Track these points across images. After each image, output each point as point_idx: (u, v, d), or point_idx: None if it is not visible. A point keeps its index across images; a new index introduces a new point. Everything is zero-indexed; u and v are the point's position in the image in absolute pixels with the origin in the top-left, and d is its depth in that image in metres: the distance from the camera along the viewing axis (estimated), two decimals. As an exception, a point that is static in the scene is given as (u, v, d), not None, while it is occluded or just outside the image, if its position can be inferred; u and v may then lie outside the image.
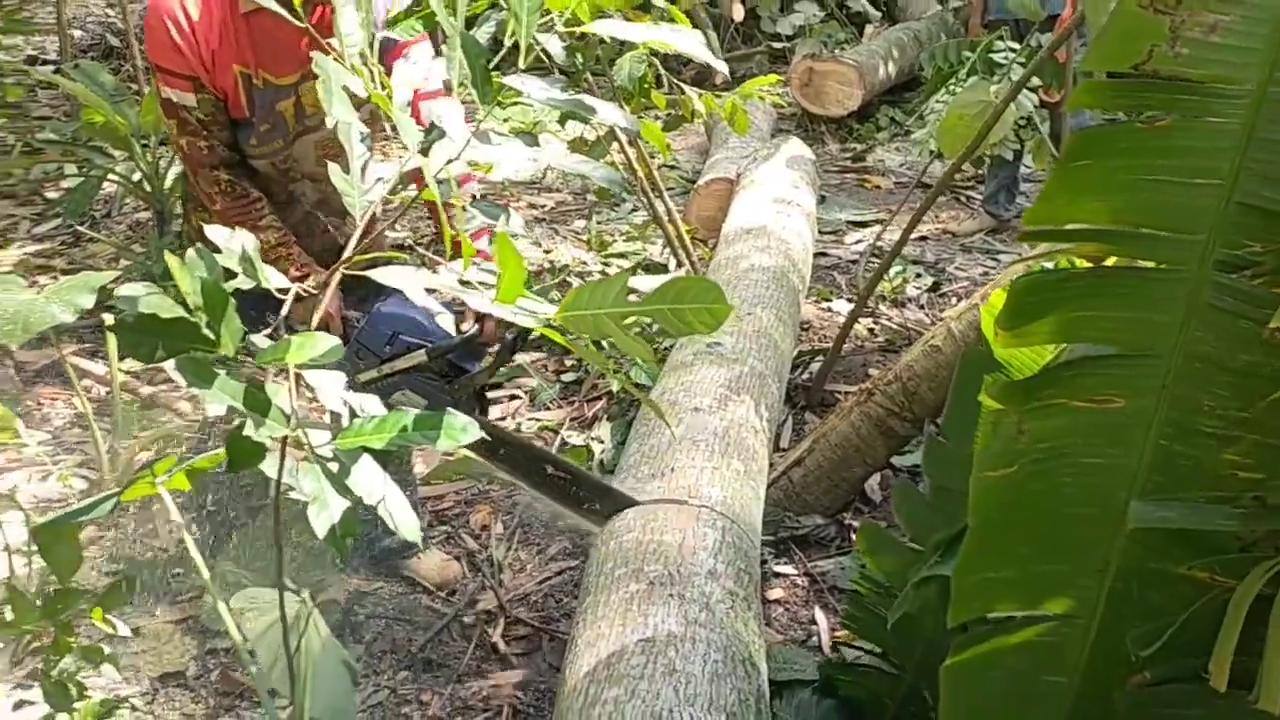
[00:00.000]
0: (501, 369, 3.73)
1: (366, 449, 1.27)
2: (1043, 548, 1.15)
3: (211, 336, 1.24)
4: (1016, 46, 3.40)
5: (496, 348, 2.24)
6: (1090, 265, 1.13)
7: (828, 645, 2.57)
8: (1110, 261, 1.05)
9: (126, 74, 6.45)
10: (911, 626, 1.76)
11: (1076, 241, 1.04)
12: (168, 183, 4.54)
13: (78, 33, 7.79)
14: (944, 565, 1.66)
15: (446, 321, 2.20)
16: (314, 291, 1.94)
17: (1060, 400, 1.07)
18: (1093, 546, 1.13)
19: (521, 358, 3.82)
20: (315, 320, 1.64)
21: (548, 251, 4.82)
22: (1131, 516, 1.09)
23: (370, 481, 1.24)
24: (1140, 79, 0.97)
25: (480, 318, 2.21)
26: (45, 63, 7.37)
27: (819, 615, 2.67)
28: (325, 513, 1.17)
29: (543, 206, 5.46)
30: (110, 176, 4.77)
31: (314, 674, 1.85)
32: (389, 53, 2.20)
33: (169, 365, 1.20)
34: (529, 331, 2.34)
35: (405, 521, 1.29)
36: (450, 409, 1.27)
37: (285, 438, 1.28)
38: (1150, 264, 1.03)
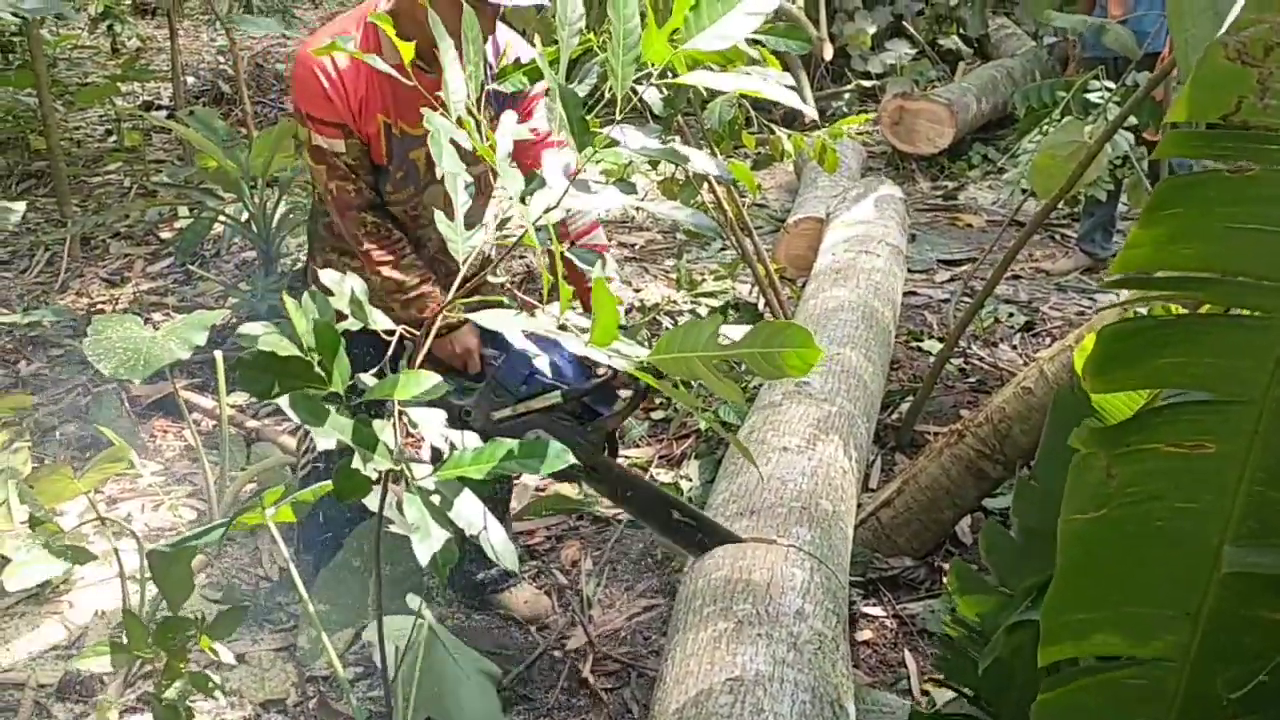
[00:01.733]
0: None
1: (466, 484, 1.33)
2: (1133, 591, 1.15)
3: (322, 374, 1.31)
4: (1111, 86, 3.37)
5: (630, 392, 2.28)
6: (1181, 312, 1.13)
7: (917, 689, 2.55)
8: (1201, 309, 1.05)
9: (236, 119, 6.74)
10: (1004, 672, 1.75)
11: (1165, 289, 1.04)
12: (274, 224, 4.72)
13: (191, 79, 8.15)
14: (1036, 610, 1.64)
15: (584, 364, 2.25)
16: (454, 324, 2.01)
17: (1150, 445, 1.08)
18: (1185, 590, 1.12)
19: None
20: (462, 348, 1.68)
21: (638, 290, 4.88)
22: (1226, 561, 1.09)
23: (471, 513, 1.30)
24: (1228, 129, 0.98)
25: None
26: (160, 108, 7.73)
27: (908, 658, 2.65)
28: (427, 541, 1.23)
29: (633, 245, 5.53)
30: (220, 218, 4.98)
31: (453, 688, 1.91)
32: (519, 104, 2.29)
33: (282, 401, 1.27)
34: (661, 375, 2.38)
35: (505, 551, 1.34)
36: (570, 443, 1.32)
37: (387, 471, 1.34)
38: (1241, 311, 1.04)
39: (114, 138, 7.19)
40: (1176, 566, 1.13)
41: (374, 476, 1.29)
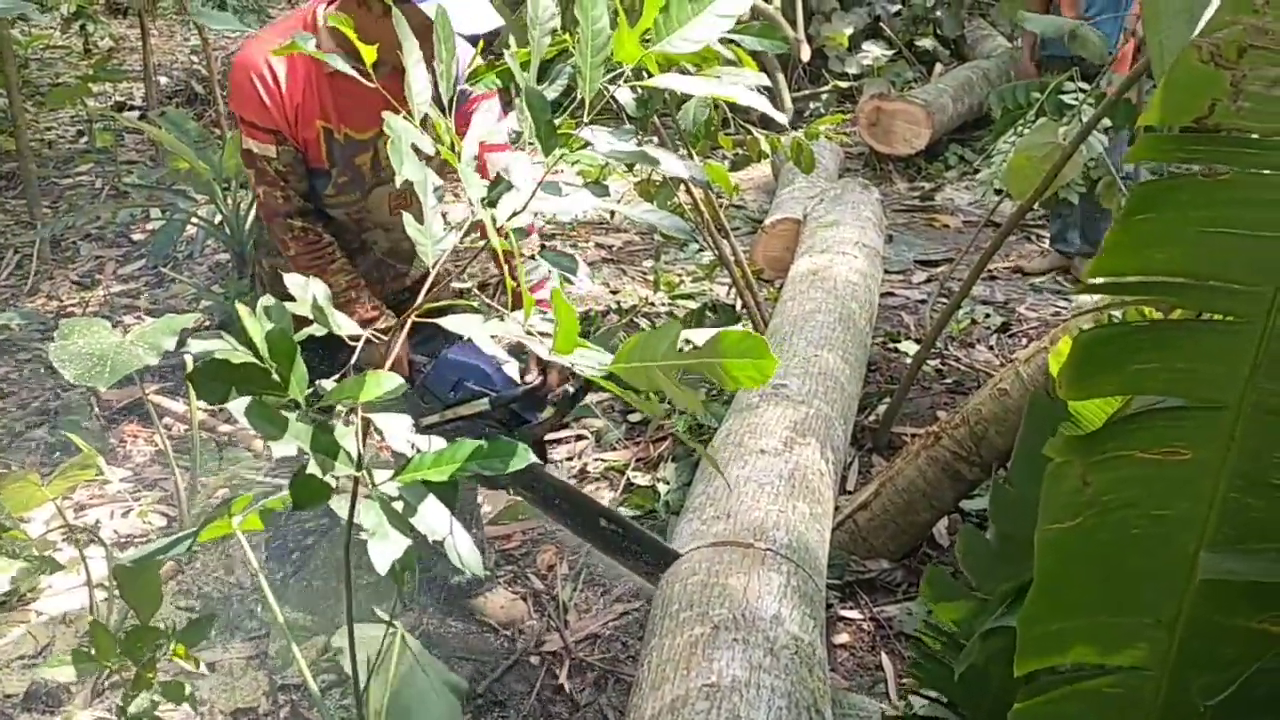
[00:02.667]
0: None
1: (431, 487, 1.30)
2: (1110, 599, 1.13)
3: (280, 381, 1.28)
4: (1086, 87, 3.37)
5: (558, 400, 2.27)
6: (1156, 317, 1.12)
7: (894, 693, 2.54)
8: (1175, 314, 1.04)
9: (210, 119, 6.68)
10: (979, 677, 1.74)
11: (1141, 294, 1.03)
12: (247, 226, 4.68)
13: (163, 79, 8.09)
14: (1011, 616, 1.63)
15: (512, 371, 2.24)
16: (384, 337, 2.00)
17: (1126, 452, 1.06)
18: (1161, 598, 1.11)
19: (588, 398, 3.86)
20: (388, 364, 1.68)
21: (615, 292, 4.86)
22: (1202, 568, 1.08)
23: (436, 518, 1.27)
24: (1202, 133, 0.97)
25: (544, 370, 2.24)
26: (133, 108, 7.66)
27: (885, 662, 2.64)
28: (386, 548, 1.20)
29: (610, 246, 5.51)
30: (193, 220, 4.93)
31: (419, 700, 1.88)
32: (460, 106, 2.26)
33: (234, 408, 1.24)
34: (589, 386, 2.37)
35: (469, 557, 1.31)
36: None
37: (356, 477, 1.32)
38: (1216, 316, 1.03)
39: (85, 139, 7.12)
40: (1152, 574, 1.11)
41: (333, 484, 1.26)
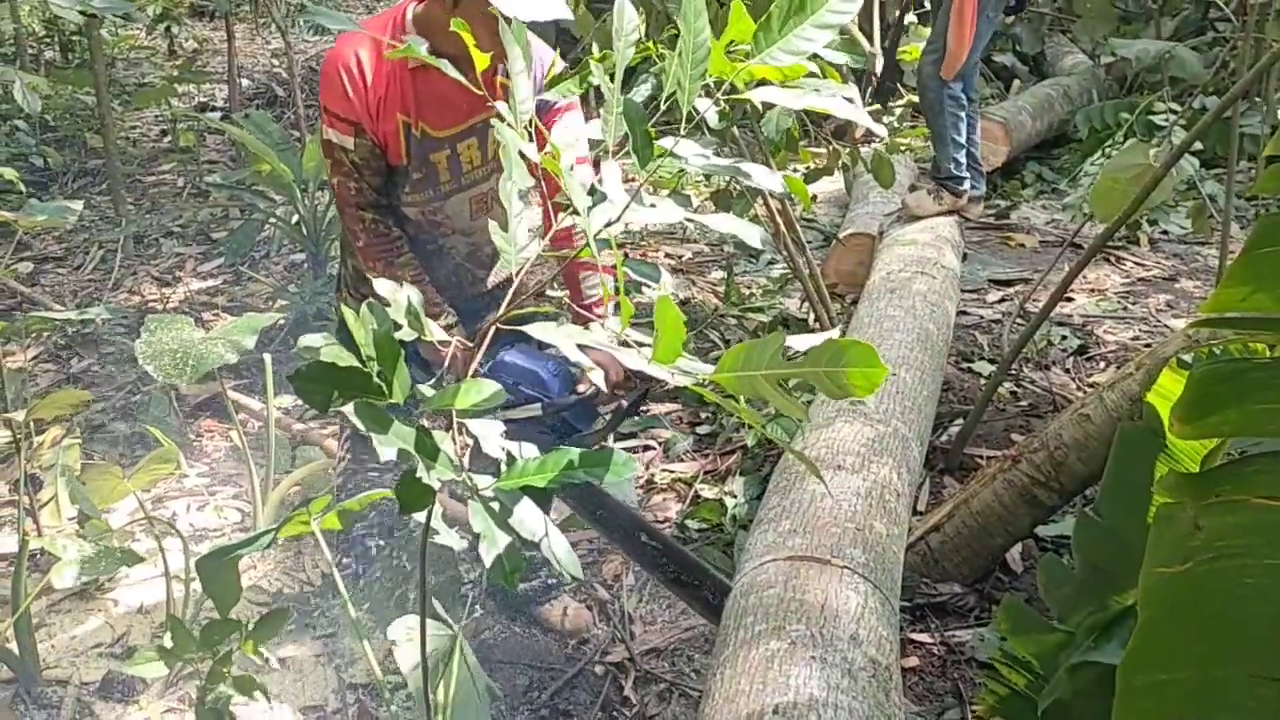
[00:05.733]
0: (635, 418, 3.78)
1: (527, 491, 1.30)
2: (1219, 651, 1.08)
3: (382, 386, 1.29)
4: (1178, 108, 3.30)
5: (611, 411, 2.27)
6: (1264, 352, 1.08)
7: (967, 718, 2.49)
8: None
9: (289, 122, 6.80)
10: (1063, 712, 1.70)
11: (1263, 330, 0.99)
12: (324, 227, 4.75)
13: (245, 82, 8.24)
14: (1099, 651, 1.60)
15: (567, 379, 2.24)
16: (467, 344, 2.01)
17: (1240, 497, 1.02)
18: (1273, 653, 1.06)
19: (656, 408, 3.85)
20: (457, 367, 1.67)
21: (685, 302, 4.85)
22: (1316, 621, 1.03)
23: (533, 521, 1.27)
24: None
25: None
26: (215, 109, 7.82)
27: (959, 689, 2.59)
28: (494, 549, 1.20)
29: (680, 257, 5.50)
30: (270, 220, 5.02)
31: (455, 702, 1.89)
32: (542, 115, 2.28)
33: (347, 409, 1.25)
34: (646, 396, 2.37)
35: (568, 560, 1.31)
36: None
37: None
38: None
39: (169, 138, 7.28)
40: (1265, 629, 1.06)
41: (436, 486, 1.26)
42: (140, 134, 7.61)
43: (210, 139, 7.34)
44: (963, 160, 4.50)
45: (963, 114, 4.45)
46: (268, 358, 3.06)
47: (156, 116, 7.79)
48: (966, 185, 4.49)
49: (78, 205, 2.89)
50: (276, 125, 5.16)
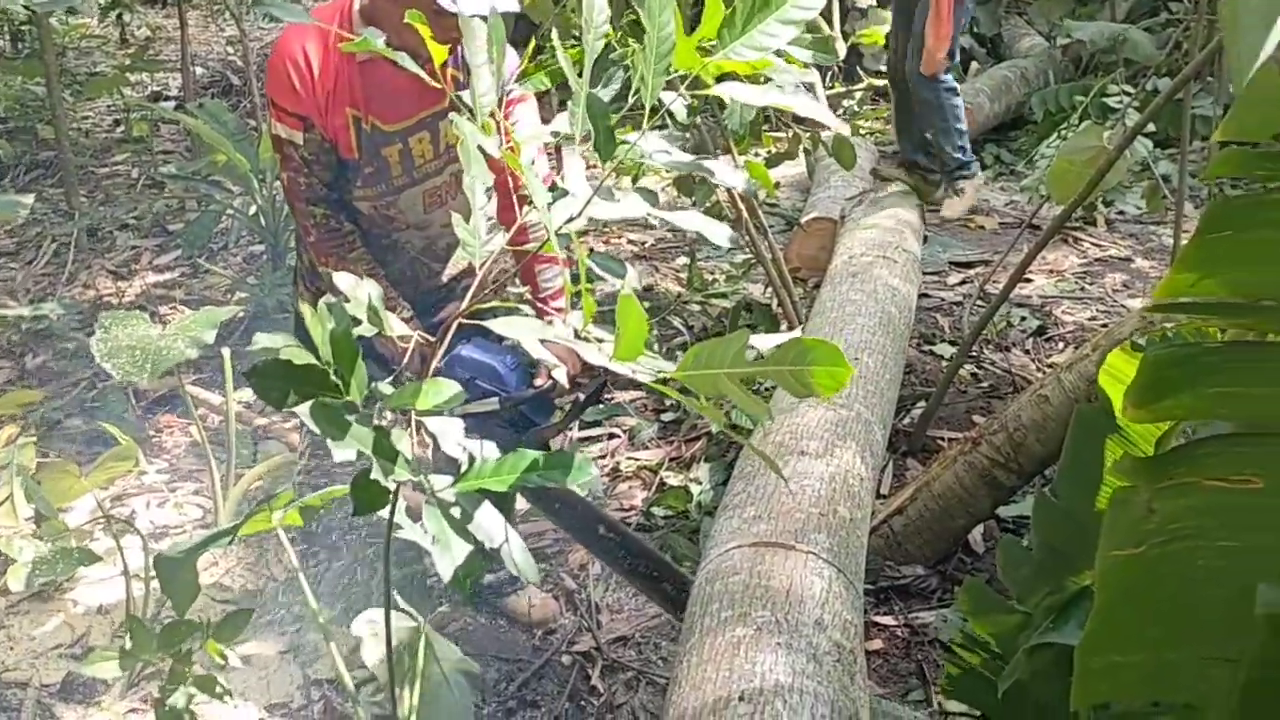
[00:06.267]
0: (600, 406, 3.77)
1: (487, 494, 1.30)
2: (1174, 633, 1.10)
3: (339, 384, 1.28)
4: (1131, 91, 3.33)
5: (569, 404, 2.27)
6: (1216, 335, 1.10)
7: (930, 700, 2.52)
8: (1229, 334, 1.02)
9: (245, 110, 6.71)
10: (1021, 692, 1.72)
11: (1215, 314, 1.01)
12: (282, 218, 4.70)
13: (200, 70, 8.13)
14: (1057, 632, 1.62)
15: (524, 373, 2.24)
16: (428, 338, 2.00)
17: (1194, 479, 1.03)
18: (1228, 634, 1.07)
19: (621, 395, 3.86)
20: (406, 361, 1.66)
21: (648, 289, 4.85)
22: (1260, 600, 1.04)
23: (492, 526, 1.27)
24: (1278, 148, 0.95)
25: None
26: (169, 99, 7.71)
27: (923, 669, 2.62)
28: (449, 555, 1.20)
29: (643, 243, 5.50)
30: (228, 211, 4.96)
31: (431, 692, 1.88)
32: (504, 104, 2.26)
33: (302, 411, 1.24)
34: (602, 390, 2.37)
35: (526, 565, 1.31)
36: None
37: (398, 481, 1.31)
38: (1296, 338, 1.00)
39: (122, 129, 7.17)
40: (1218, 609, 1.08)
41: (391, 488, 1.26)
42: (93, 124, 7.49)
43: (164, 129, 7.23)
44: (966, 144, 4.54)
45: (959, 99, 4.49)
46: (226, 351, 3.03)
47: (109, 107, 7.67)
48: (975, 166, 4.52)
49: (29, 199, 2.85)
50: (232, 115, 5.09)
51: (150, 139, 6.88)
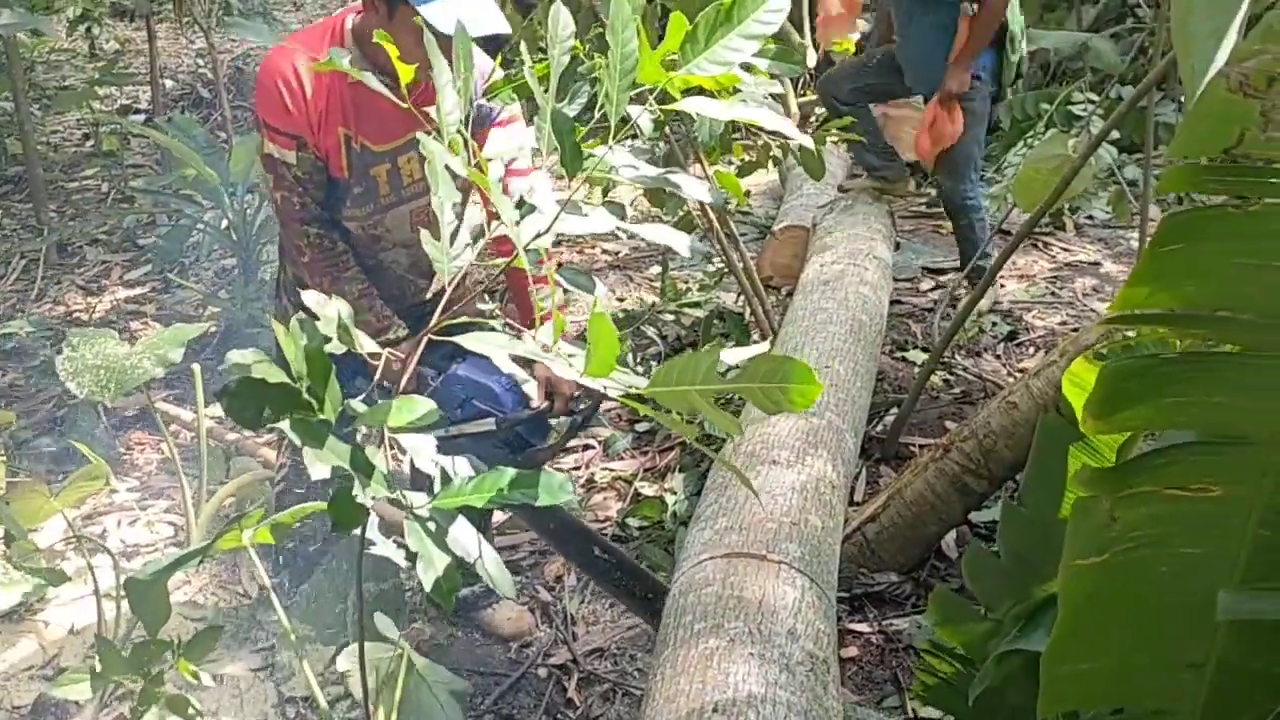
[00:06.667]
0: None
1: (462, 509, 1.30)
2: (1138, 639, 1.11)
3: (312, 402, 1.28)
4: (1096, 98, 3.37)
5: (566, 426, 2.28)
6: (1180, 347, 1.11)
7: (905, 707, 2.53)
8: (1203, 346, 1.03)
9: (215, 124, 6.68)
10: (993, 698, 1.73)
11: (1172, 326, 1.02)
12: (254, 231, 4.68)
13: (169, 83, 8.07)
14: (1024, 639, 1.63)
15: (531, 390, 2.24)
16: (399, 355, 2.00)
17: (1153, 488, 1.05)
18: (1191, 640, 1.09)
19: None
20: (404, 382, 1.68)
21: (620, 299, 4.85)
22: (1221, 608, 1.06)
23: (467, 540, 1.27)
24: (1231, 163, 0.96)
25: (550, 395, 2.25)
26: (138, 112, 7.66)
27: (898, 676, 2.63)
28: (431, 569, 1.20)
29: (616, 253, 5.50)
30: (199, 225, 4.93)
31: (426, 715, 1.88)
32: (490, 122, 2.27)
33: (284, 425, 1.23)
34: (598, 409, 2.38)
35: (501, 579, 1.32)
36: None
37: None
38: (1249, 349, 1.01)
39: (92, 143, 7.12)
40: (1181, 615, 1.10)
41: (369, 504, 1.26)
42: (61, 139, 7.43)
43: (134, 142, 7.18)
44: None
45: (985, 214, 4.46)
46: (197, 368, 3.01)
47: (78, 120, 7.61)
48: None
49: (-5, 216, 2.82)
50: (202, 129, 5.07)
51: (120, 153, 6.83)
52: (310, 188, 2.30)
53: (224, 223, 4.78)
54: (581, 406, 2.30)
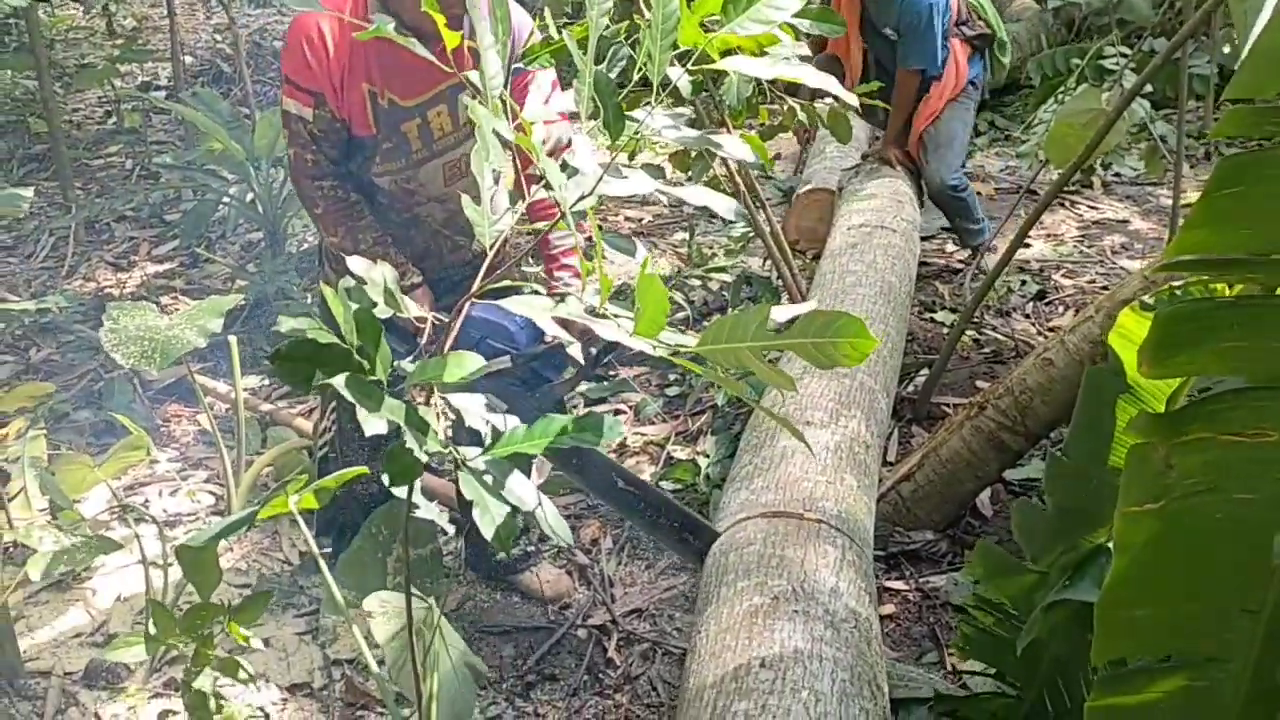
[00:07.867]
0: (604, 383, 3.79)
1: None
2: (1193, 586, 1.12)
3: (363, 362, 1.29)
4: (1127, 52, 3.33)
5: (580, 360, 2.28)
6: (1226, 293, 1.11)
7: (945, 662, 2.55)
8: (1260, 290, 1.03)
9: (237, 98, 6.69)
10: (1037, 650, 1.74)
11: (1226, 271, 1.02)
12: (280, 205, 4.70)
13: (189, 59, 8.07)
14: (1073, 589, 1.64)
15: (537, 330, 2.24)
16: (441, 319, 2.01)
17: (1209, 434, 1.05)
18: (1246, 586, 1.09)
19: (625, 371, 3.87)
20: (449, 344, 1.70)
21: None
22: (1276, 551, 1.06)
23: (524, 491, 1.28)
24: (1290, 105, 0.96)
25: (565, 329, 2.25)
26: (159, 88, 7.67)
27: (936, 632, 2.65)
28: (488, 515, 1.22)
29: (640, 220, 5.50)
30: (225, 200, 4.95)
31: (440, 680, 1.90)
32: (516, 80, 2.27)
33: (337, 382, 1.25)
34: (613, 346, 2.38)
35: (559, 526, 1.34)
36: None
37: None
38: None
39: (114, 120, 7.14)
40: (1237, 561, 1.10)
41: (424, 459, 1.27)
42: (84, 117, 7.45)
43: (156, 119, 7.20)
44: (984, 220, 4.57)
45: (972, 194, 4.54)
46: (233, 339, 3.04)
47: (100, 98, 7.63)
48: (987, 234, 4.56)
49: (28, 193, 2.85)
50: (225, 102, 5.08)
51: (143, 129, 6.85)
52: (325, 145, 2.33)
53: (249, 196, 4.80)
54: (595, 344, 2.31)
